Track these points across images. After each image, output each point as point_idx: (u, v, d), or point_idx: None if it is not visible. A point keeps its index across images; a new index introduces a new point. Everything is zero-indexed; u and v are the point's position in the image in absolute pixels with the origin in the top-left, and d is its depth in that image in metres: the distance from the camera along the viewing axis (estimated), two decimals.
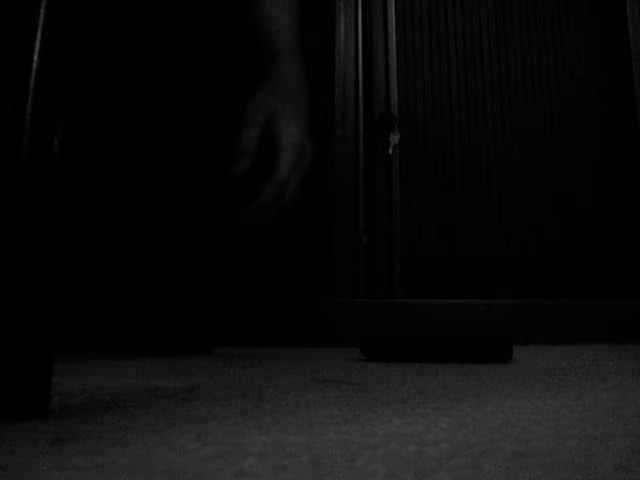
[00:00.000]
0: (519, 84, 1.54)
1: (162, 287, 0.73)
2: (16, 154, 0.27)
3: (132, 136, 0.69)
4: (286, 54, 0.58)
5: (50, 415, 0.29)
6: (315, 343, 1.04)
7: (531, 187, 1.49)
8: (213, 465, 0.19)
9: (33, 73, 0.27)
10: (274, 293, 1.18)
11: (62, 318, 0.29)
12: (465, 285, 1.42)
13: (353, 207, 1.39)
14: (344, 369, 0.56)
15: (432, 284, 1.41)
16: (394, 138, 1.44)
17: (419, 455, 0.20)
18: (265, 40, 0.57)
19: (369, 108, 1.47)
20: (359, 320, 1.09)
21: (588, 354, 0.79)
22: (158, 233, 0.71)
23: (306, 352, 0.85)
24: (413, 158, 1.47)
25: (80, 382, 0.44)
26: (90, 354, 0.69)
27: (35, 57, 0.27)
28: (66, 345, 0.67)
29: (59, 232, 0.28)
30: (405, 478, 0.17)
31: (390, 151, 1.44)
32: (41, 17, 0.28)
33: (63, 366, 0.56)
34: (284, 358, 0.72)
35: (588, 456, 0.20)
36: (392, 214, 1.42)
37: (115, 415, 0.30)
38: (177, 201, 0.68)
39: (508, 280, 1.43)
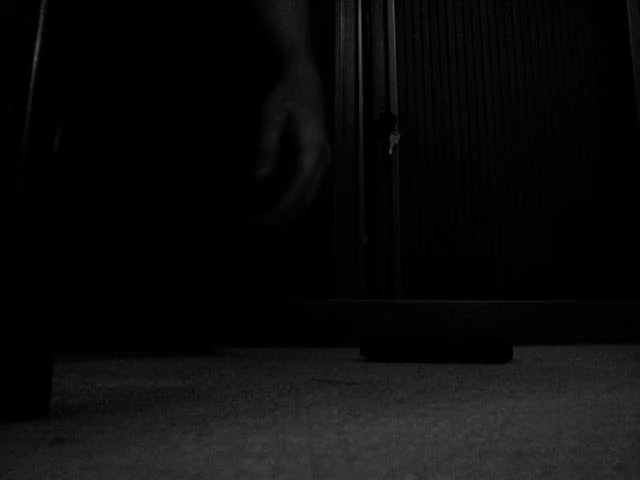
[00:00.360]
0: (519, 84, 1.54)
1: (163, 287, 0.73)
2: (16, 154, 0.27)
3: (139, 136, 0.69)
4: (300, 55, 0.58)
5: (50, 415, 0.29)
6: (315, 343, 1.04)
7: (531, 187, 1.49)
8: (213, 465, 0.19)
9: (33, 73, 0.27)
10: (274, 293, 1.18)
11: (62, 318, 0.29)
12: (465, 285, 1.42)
13: (353, 207, 1.39)
14: (344, 369, 0.56)
15: (432, 284, 1.41)
16: (394, 138, 1.44)
17: (419, 455, 0.20)
18: (279, 41, 0.57)
19: (369, 108, 1.47)
20: (359, 320, 1.09)
21: (588, 354, 0.79)
22: (160, 233, 0.71)
23: (306, 352, 0.85)
24: (413, 158, 1.47)
25: (80, 382, 0.44)
26: (90, 354, 0.69)
27: (35, 57, 0.27)
28: (66, 345, 0.67)
29: (60, 232, 0.28)
30: (405, 478, 0.17)
31: (390, 151, 1.44)
32: (41, 17, 0.28)
33: (63, 366, 0.56)
34: (284, 358, 0.73)
35: (588, 456, 0.20)
36: (392, 214, 1.42)
37: (115, 415, 0.30)
38: (181, 202, 0.68)
39: (508, 280, 1.43)
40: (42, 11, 0.28)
